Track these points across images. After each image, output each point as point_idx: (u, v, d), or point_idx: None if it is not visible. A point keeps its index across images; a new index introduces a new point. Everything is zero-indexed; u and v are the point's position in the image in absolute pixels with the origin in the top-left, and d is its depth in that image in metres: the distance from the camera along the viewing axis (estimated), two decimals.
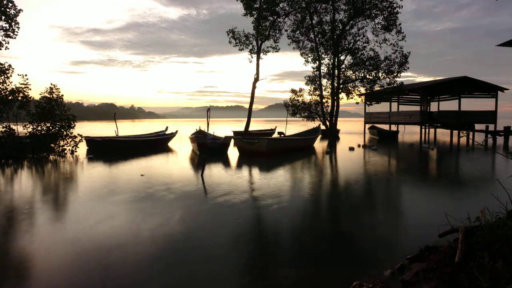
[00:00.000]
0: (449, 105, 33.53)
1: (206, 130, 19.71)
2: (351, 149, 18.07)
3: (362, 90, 26.18)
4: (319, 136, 20.75)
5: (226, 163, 12.64)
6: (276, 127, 30.27)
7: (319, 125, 22.77)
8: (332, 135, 24.45)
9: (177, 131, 22.78)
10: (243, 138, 15.74)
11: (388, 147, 19.48)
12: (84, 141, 16.48)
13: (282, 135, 22.50)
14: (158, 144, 19.28)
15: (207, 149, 15.31)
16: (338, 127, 32.41)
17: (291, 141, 18.07)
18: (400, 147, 19.66)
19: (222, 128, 44.84)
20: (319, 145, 20.39)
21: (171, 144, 20.51)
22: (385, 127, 30.39)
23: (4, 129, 14.60)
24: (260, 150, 14.72)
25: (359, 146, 19.38)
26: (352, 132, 37.31)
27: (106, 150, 16.18)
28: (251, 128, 26.14)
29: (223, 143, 15.96)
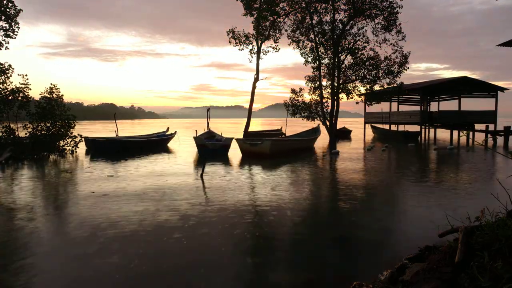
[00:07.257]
0: (449, 105, 33.52)
1: (205, 130, 19.71)
2: (369, 149, 18.02)
3: (362, 90, 26.20)
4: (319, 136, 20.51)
5: (228, 164, 12.62)
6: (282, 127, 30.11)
7: (318, 125, 22.66)
8: (333, 136, 24.46)
9: (176, 132, 22.78)
10: (246, 140, 15.24)
11: (397, 148, 19.26)
12: (84, 141, 16.41)
13: (283, 136, 22.34)
14: (160, 144, 19.39)
15: (207, 151, 15.20)
16: (349, 128, 32.32)
17: (294, 142, 17.57)
18: (415, 148, 19.33)
19: (222, 128, 44.76)
20: (319, 145, 20.35)
21: (169, 144, 20.54)
22: (386, 127, 30.37)
23: (4, 129, 14.59)
24: (263, 152, 14.13)
25: (369, 149, 18.61)
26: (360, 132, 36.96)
27: (110, 151, 16.05)
28: (257, 129, 25.93)
29: (224, 144, 15.81)
